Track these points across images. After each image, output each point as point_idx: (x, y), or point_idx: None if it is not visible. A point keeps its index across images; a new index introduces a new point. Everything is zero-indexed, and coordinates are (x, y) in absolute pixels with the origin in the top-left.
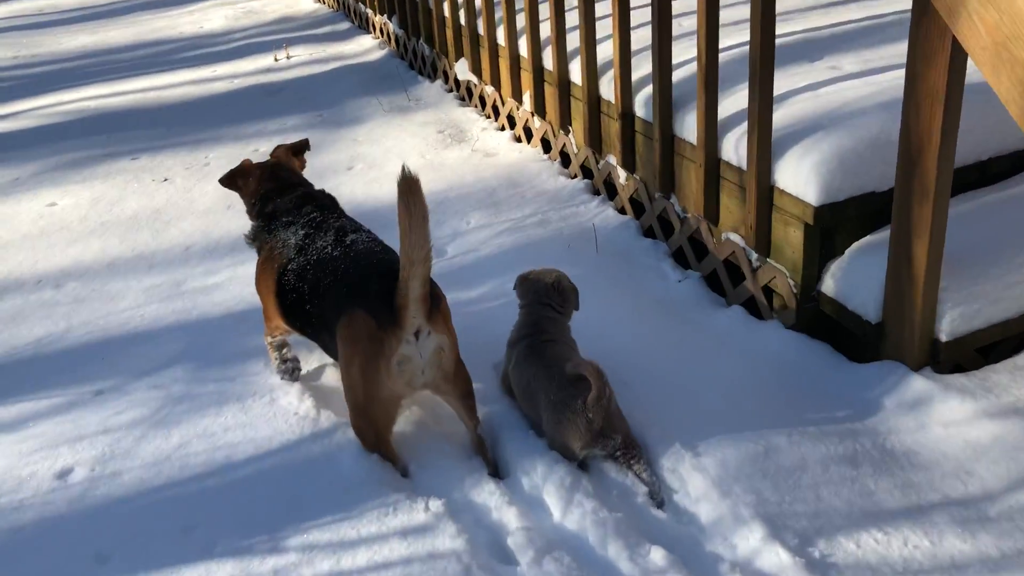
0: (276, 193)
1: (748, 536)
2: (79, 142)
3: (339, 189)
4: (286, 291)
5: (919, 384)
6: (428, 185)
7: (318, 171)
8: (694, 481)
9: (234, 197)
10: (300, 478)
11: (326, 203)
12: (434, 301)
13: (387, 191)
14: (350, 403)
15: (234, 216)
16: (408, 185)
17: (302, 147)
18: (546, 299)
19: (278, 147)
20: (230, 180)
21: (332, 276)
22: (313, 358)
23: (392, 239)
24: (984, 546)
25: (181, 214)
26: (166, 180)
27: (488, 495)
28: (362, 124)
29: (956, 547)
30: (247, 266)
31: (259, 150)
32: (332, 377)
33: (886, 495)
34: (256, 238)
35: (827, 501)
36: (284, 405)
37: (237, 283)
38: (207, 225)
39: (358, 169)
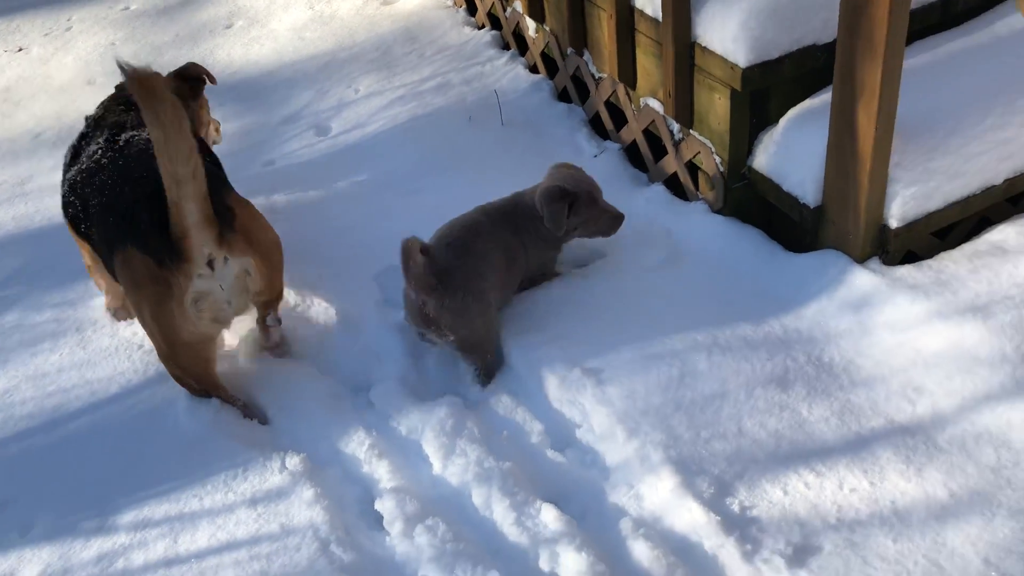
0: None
1: (656, 485)
2: None
3: (215, 53)
4: (67, 210)
5: (864, 280)
6: (314, 44)
7: (192, 31)
8: (598, 415)
9: (95, 70)
10: (140, 431)
11: None
12: (225, 217)
13: (268, 53)
14: (157, 351)
15: (95, 94)
16: (145, 88)
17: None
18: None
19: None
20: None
21: (99, 196)
22: None
23: (271, 106)
24: (931, 486)
25: (34, 92)
26: (21, 50)
27: (357, 445)
28: None
29: (899, 488)
30: None
31: (130, 8)
32: None
33: (821, 424)
34: None
35: (751, 435)
36: (127, 336)
37: None
38: (62, 107)
39: (238, 27)
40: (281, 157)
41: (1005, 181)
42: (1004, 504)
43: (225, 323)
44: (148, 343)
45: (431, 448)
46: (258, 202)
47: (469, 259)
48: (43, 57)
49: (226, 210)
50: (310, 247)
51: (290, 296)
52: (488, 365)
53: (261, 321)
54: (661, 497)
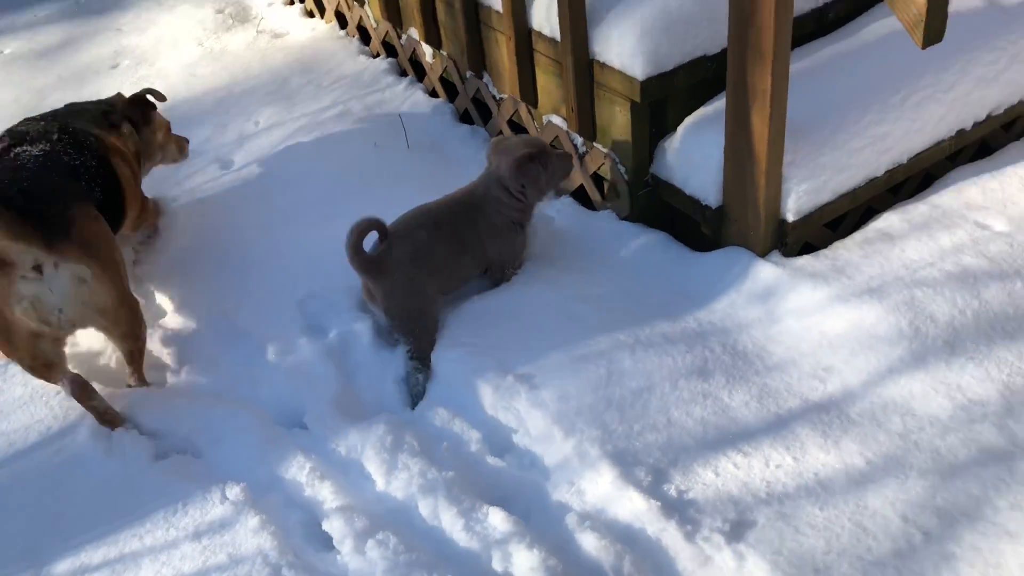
0: None
1: (596, 479)
2: None
3: (102, 94)
4: None
5: (767, 272)
6: (207, 80)
7: (75, 73)
8: (533, 419)
9: None
10: (66, 477)
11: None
12: (58, 226)
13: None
14: None
15: None
16: None
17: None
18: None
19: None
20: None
21: None
22: None
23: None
24: (848, 455)
25: None
26: None
27: (298, 469)
28: (126, 10)
29: (820, 460)
30: None
31: (4, 52)
32: (99, 339)
33: (742, 408)
34: None
35: (679, 424)
36: (40, 384)
37: None
38: None
39: (124, 67)
40: (184, 193)
41: (886, 172)
42: (915, 466)
43: (54, 328)
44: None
45: (373, 465)
46: (166, 239)
47: (409, 246)
48: None
49: (65, 220)
50: (228, 278)
51: (212, 326)
52: (419, 348)
53: (129, 380)
54: (602, 490)
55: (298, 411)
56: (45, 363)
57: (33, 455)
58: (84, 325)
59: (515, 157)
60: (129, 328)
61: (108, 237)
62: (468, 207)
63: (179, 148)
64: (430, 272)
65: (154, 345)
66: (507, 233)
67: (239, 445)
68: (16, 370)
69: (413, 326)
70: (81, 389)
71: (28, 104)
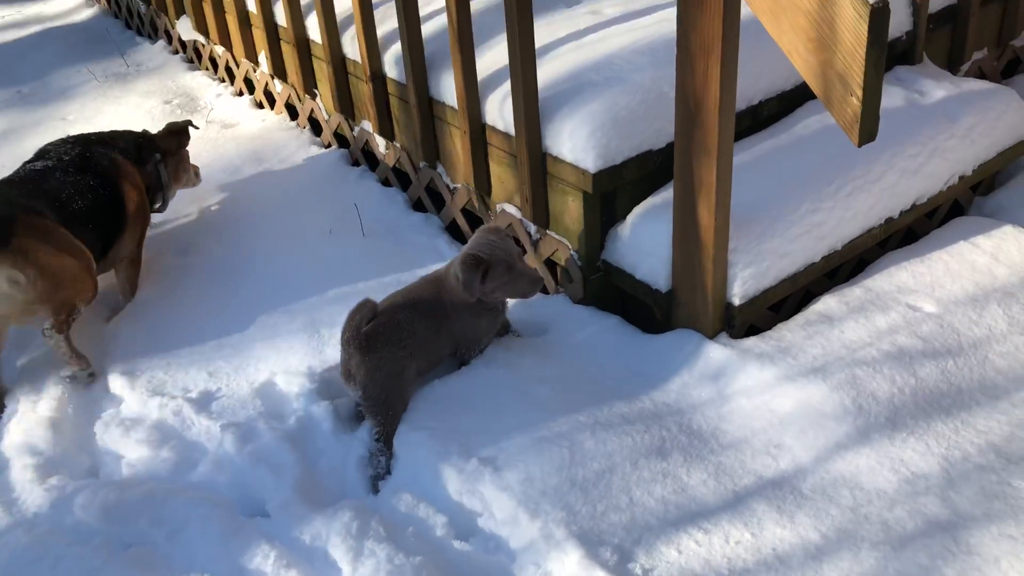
0: None
1: (563, 560)
2: None
3: None
4: None
5: (716, 353)
6: None
7: (22, 161)
8: (499, 502)
9: None
10: (22, 574)
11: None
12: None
13: None
14: None
15: None
16: None
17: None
18: None
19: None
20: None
21: None
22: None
23: None
24: (804, 530)
25: None
26: None
27: (262, 559)
28: (72, 100)
29: (777, 536)
30: None
31: None
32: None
33: (700, 486)
34: None
35: (642, 503)
36: None
37: None
38: None
39: None
40: (141, 280)
41: (823, 258)
42: (866, 537)
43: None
44: (19, 478)
45: (339, 552)
46: (123, 325)
47: (393, 327)
48: None
49: (5, 230)
50: (185, 365)
51: (169, 414)
52: (387, 430)
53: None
54: (569, 570)
55: (260, 499)
56: None
57: None
58: (11, 319)
59: (464, 255)
60: (58, 305)
61: (51, 237)
62: (438, 285)
63: (196, 173)
64: (412, 352)
65: (111, 434)
66: (471, 310)
67: (201, 535)
68: None
69: (387, 407)
70: None
71: None
